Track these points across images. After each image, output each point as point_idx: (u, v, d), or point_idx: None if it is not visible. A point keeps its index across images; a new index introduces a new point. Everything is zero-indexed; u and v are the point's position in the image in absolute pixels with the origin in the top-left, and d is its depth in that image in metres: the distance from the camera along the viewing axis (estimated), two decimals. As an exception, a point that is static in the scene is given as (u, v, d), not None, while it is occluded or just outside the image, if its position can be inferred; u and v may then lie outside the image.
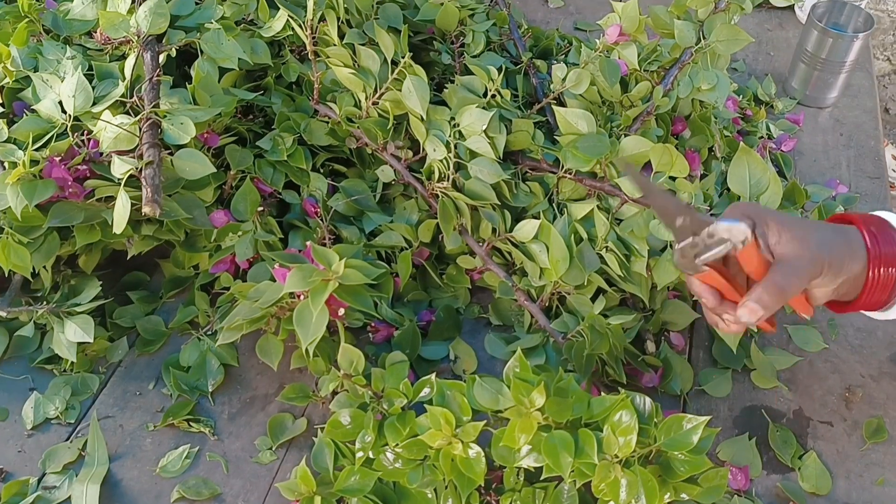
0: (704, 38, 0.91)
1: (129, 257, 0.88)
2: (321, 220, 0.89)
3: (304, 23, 0.86)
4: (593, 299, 0.86)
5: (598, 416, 0.67)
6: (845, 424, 0.83)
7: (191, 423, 0.81)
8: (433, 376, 0.75)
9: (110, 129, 0.80)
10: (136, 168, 0.75)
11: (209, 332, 0.87)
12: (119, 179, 0.76)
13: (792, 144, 1.12)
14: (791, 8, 1.38)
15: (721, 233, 0.64)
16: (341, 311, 0.75)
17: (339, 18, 0.87)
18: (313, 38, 0.87)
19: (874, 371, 0.88)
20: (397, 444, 0.73)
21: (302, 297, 0.74)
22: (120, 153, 0.79)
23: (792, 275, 0.64)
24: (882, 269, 0.66)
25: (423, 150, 0.89)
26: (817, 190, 1.06)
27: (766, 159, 1.06)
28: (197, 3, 0.93)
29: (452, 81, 0.94)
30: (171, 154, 0.79)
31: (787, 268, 0.64)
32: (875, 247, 0.67)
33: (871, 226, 0.68)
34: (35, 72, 0.88)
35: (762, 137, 1.12)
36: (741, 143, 0.89)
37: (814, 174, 1.10)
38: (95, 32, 0.91)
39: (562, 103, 0.94)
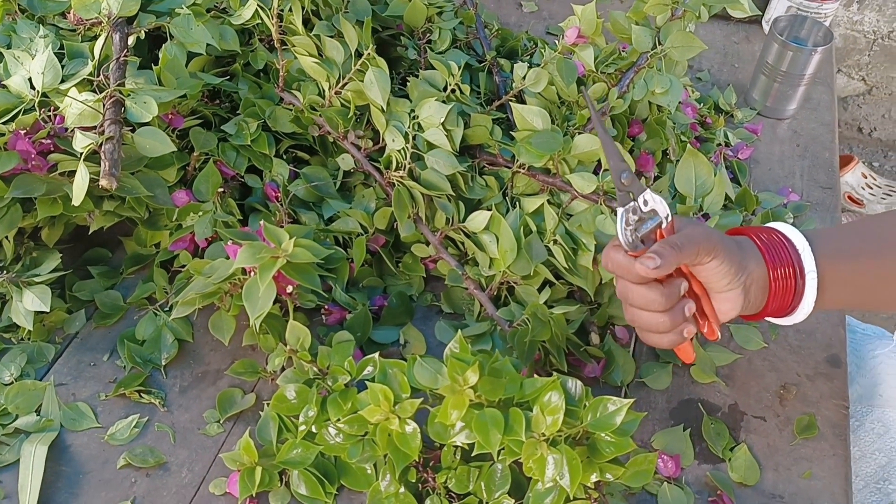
0: (660, 43, 0.94)
1: (90, 232, 0.90)
2: (280, 204, 0.92)
3: (270, 11, 0.89)
4: (540, 290, 0.89)
5: (529, 396, 0.70)
6: (778, 420, 0.86)
7: (142, 395, 0.83)
8: (377, 355, 0.78)
9: (75, 105, 0.82)
10: (97, 143, 0.77)
11: (166, 308, 0.89)
12: (80, 153, 0.79)
13: (748, 153, 1.15)
14: (759, 22, 1.41)
15: (654, 202, 0.70)
16: (289, 289, 0.78)
17: (304, 9, 0.89)
18: (280, 26, 0.90)
19: (810, 371, 0.90)
20: (339, 420, 0.75)
21: (252, 273, 0.77)
22: (84, 129, 0.82)
23: (688, 238, 0.69)
24: (780, 270, 0.71)
25: (383, 140, 0.92)
26: (769, 197, 1.09)
27: (721, 165, 1.09)
28: (170, -11, 0.95)
29: (417, 76, 0.97)
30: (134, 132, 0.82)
31: (684, 234, 0.69)
32: (768, 251, 0.71)
33: (760, 234, 0.73)
34: (8, 49, 0.90)
35: (720, 145, 1.15)
36: (689, 146, 0.92)
37: (767, 182, 1.13)
38: (69, 13, 0.94)
39: (522, 101, 0.97)
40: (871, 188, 2.13)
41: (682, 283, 0.71)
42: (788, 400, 0.88)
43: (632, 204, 0.71)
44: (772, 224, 0.76)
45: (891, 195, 2.13)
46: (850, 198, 2.15)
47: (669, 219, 0.70)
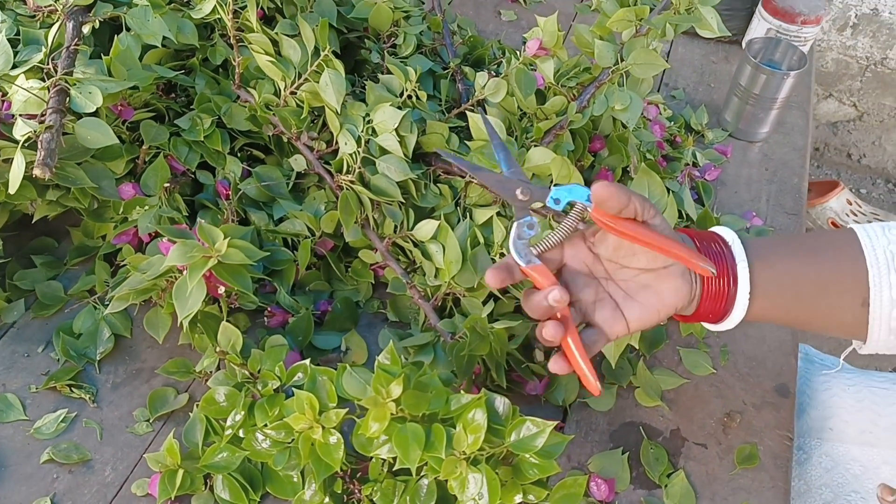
0: (623, 59, 0.92)
1: (33, 221, 0.88)
2: (229, 202, 0.90)
3: (227, 7, 0.88)
4: (486, 303, 0.87)
5: (454, 412, 0.68)
6: (719, 448, 0.84)
7: (73, 389, 0.82)
8: (307, 361, 0.76)
9: (21, 92, 0.81)
10: (35, 131, 0.76)
11: (106, 302, 0.88)
12: (20, 141, 0.77)
13: (716, 174, 1.14)
14: (738, 42, 1.40)
15: (568, 194, 0.67)
16: (221, 290, 0.76)
17: (259, 5, 0.88)
18: (236, 23, 0.89)
19: (757, 399, 0.89)
20: (266, 425, 0.74)
21: (185, 271, 0.75)
22: (30, 117, 0.81)
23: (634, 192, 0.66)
24: (711, 259, 0.69)
25: (337, 142, 0.91)
26: (731, 220, 1.07)
27: (685, 185, 1.08)
28: (130, -21, 0.94)
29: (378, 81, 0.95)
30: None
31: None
32: (701, 242, 0.70)
33: (702, 239, 0.71)
34: (-38, 32, 0.89)
35: (687, 164, 1.13)
36: (643, 164, 0.90)
37: (732, 205, 1.12)
38: (27, -1, 0.92)
39: (485, 111, 0.96)
40: (856, 215, 2.12)
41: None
42: (732, 428, 0.86)
43: (527, 218, 0.69)
44: (716, 228, 0.75)
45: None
46: (833, 224, 2.14)
47: (589, 197, 0.66)
